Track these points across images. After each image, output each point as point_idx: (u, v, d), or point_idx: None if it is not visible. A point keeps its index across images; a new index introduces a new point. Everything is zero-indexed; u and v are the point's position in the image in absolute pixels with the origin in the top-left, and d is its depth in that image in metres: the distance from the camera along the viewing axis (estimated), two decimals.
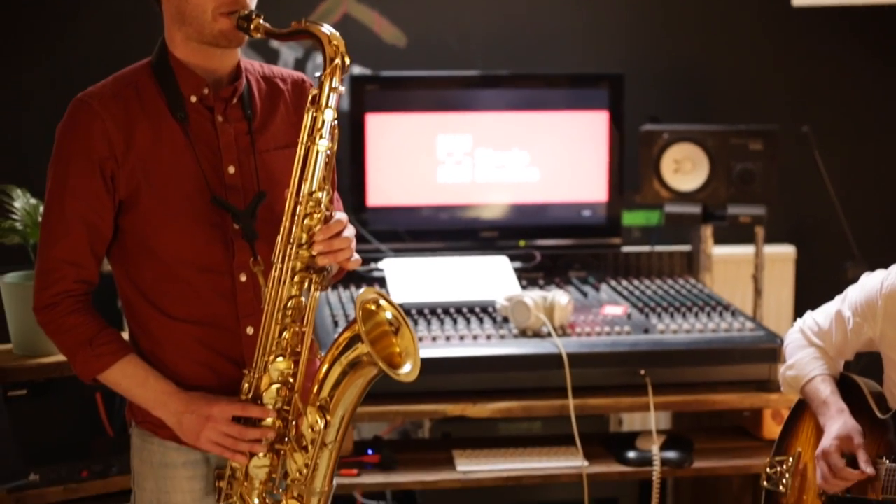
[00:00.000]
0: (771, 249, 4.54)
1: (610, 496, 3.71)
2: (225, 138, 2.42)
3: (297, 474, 2.44)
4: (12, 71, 4.23)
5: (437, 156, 4.01)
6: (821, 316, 2.95)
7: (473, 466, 3.31)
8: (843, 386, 2.86)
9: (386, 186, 4.01)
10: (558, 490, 3.52)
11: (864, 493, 2.65)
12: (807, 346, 2.94)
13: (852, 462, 2.65)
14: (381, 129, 3.97)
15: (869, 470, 2.62)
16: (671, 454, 3.37)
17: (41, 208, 3.08)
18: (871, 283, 2.82)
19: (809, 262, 4.66)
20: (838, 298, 2.91)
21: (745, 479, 3.53)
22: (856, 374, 2.90)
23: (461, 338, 3.40)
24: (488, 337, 3.41)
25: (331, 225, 2.37)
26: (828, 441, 2.69)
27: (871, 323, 2.79)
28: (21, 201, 3.21)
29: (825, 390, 2.82)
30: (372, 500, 4.45)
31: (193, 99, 2.39)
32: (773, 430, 3.22)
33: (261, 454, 2.41)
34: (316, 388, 2.42)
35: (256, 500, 2.46)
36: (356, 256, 2.41)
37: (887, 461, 2.63)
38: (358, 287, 3.76)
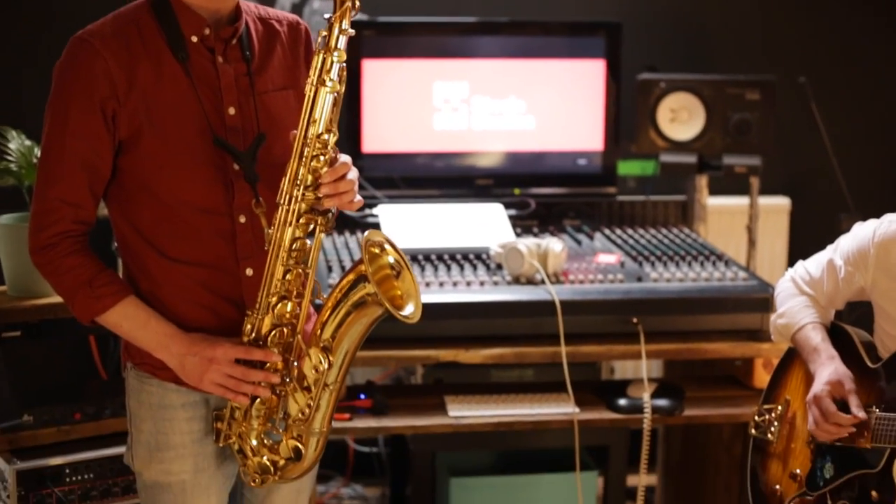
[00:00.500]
0: (766, 200, 4.55)
1: (601, 444, 3.73)
2: (226, 79, 2.42)
3: (299, 415, 2.46)
4: (4, 6, 4.21)
5: (433, 103, 4.01)
6: (812, 265, 2.97)
7: (465, 412, 3.32)
8: (833, 335, 2.87)
9: (382, 133, 4.00)
10: (549, 437, 3.54)
11: (853, 440, 2.66)
12: (798, 295, 2.96)
13: (843, 408, 2.67)
14: (378, 75, 3.96)
15: (861, 414, 2.63)
16: (662, 402, 3.38)
17: (36, 150, 3.09)
18: (863, 232, 2.83)
19: (804, 213, 4.67)
20: (830, 248, 2.93)
21: (736, 427, 3.54)
22: (847, 325, 2.93)
23: (454, 284, 3.41)
24: (482, 283, 3.42)
25: (336, 167, 2.38)
26: (819, 386, 2.71)
27: (863, 272, 2.80)
28: (16, 143, 3.20)
29: (816, 338, 2.84)
30: (364, 446, 4.50)
31: (194, 39, 2.39)
32: (763, 379, 3.23)
33: (262, 395, 2.44)
34: (319, 329, 2.44)
35: (255, 441, 2.49)
36: (358, 198, 2.43)
37: (877, 410, 2.64)
38: (353, 233, 3.77)
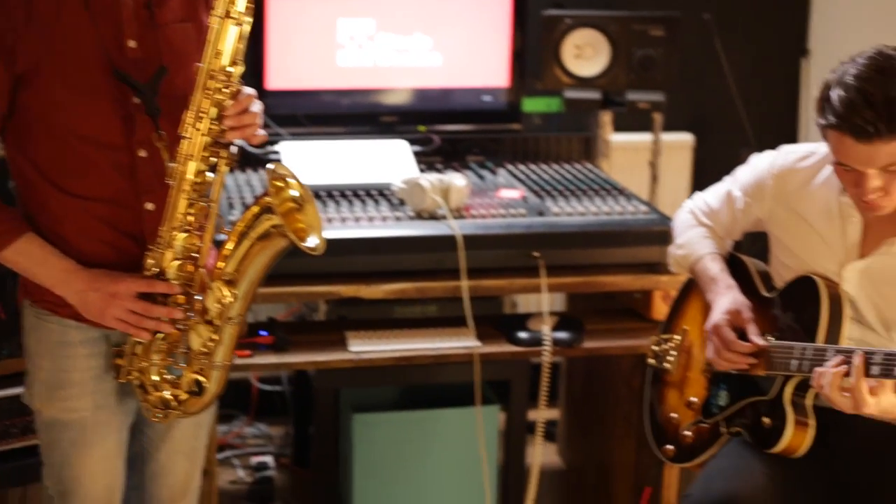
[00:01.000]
0: (670, 137, 4.59)
1: (503, 378, 3.74)
2: (125, 12, 2.39)
3: (201, 349, 2.47)
4: None
5: (337, 39, 3.96)
6: (710, 196, 3.00)
7: (365, 347, 3.32)
8: (730, 265, 2.91)
9: (286, 70, 3.95)
10: (451, 371, 3.54)
11: (748, 368, 2.70)
12: (696, 226, 2.99)
13: (742, 337, 2.71)
14: (282, 10, 3.90)
15: (760, 341, 2.67)
16: (562, 335, 3.41)
17: None
18: (761, 163, 2.86)
19: (707, 149, 4.72)
20: (728, 179, 2.96)
21: (635, 359, 3.58)
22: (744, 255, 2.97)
23: (357, 219, 3.39)
24: (384, 219, 3.41)
25: (241, 100, 2.38)
26: (717, 315, 2.74)
27: (760, 202, 2.84)
28: None
29: (714, 268, 2.87)
30: (267, 385, 4.50)
31: None
32: (662, 311, 3.27)
33: (165, 330, 2.43)
34: (222, 262, 2.44)
35: (156, 376, 2.49)
36: (262, 132, 2.43)
37: (771, 338, 2.68)
38: (255, 171, 3.74)
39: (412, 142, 3.90)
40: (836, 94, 2.44)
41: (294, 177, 2.49)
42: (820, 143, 2.77)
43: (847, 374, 2.42)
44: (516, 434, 3.80)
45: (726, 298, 2.77)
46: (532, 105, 4.35)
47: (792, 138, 4.77)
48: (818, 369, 2.47)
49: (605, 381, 3.94)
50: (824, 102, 2.47)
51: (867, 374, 2.41)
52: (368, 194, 3.57)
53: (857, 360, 2.40)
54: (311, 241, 2.49)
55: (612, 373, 3.85)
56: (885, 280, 2.64)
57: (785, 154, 2.83)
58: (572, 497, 4.24)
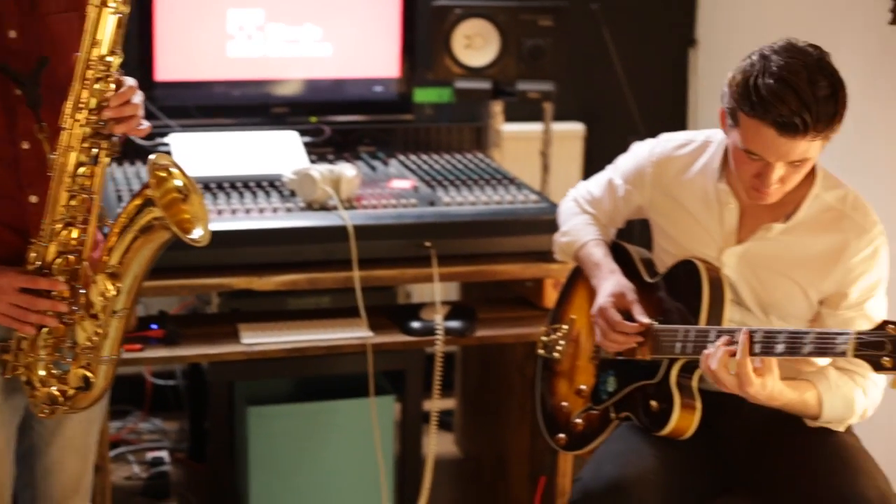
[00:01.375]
0: (561, 126, 4.62)
1: (397, 368, 3.75)
2: (6, 1, 2.35)
3: (87, 343, 2.43)
4: None
5: (227, 30, 3.94)
6: (593, 184, 3.04)
7: (258, 339, 3.30)
8: (614, 252, 2.95)
9: (175, 61, 3.91)
10: (346, 363, 3.54)
11: (633, 354, 2.74)
12: (580, 214, 3.03)
13: (628, 320, 2.74)
14: (170, 1, 3.87)
15: (645, 320, 2.71)
16: (454, 324, 3.42)
17: None
18: (640, 151, 2.90)
19: (598, 138, 4.76)
20: (610, 167, 3.00)
21: (528, 348, 3.59)
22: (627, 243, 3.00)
23: (247, 211, 3.37)
24: (275, 210, 3.39)
25: (122, 91, 2.35)
26: (602, 298, 2.78)
27: (641, 190, 2.88)
28: None
29: (598, 253, 2.91)
30: (161, 379, 4.46)
31: None
32: (553, 299, 3.28)
33: (50, 324, 2.40)
34: (106, 255, 2.41)
35: (43, 371, 2.45)
36: (145, 123, 2.40)
37: (655, 322, 2.72)
38: (144, 163, 3.70)
39: (303, 133, 3.88)
40: (762, 82, 2.43)
41: (177, 167, 2.46)
42: (698, 132, 2.82)
43: (733, 354, 2.45)
44: (412, 424, 3.80)
45: (610, 282, 2.81)
46: (423, 95, 4.35)
47: (681, 127, 4.83)
48: (706, 351, 2.50)
49: (500, 370, 3.96)
50: (747, 89, 2.46)
51: (750, 353, 2.44)
52: (259, 185, 3.55)
53: (742, 338, 2.44)
54: (196, 233, 2.47)
55: (506, 362, 3.87)
56: (762, 264, 2.69)
57: (664, 142, 2.87)
58: (469, 486, 4.25)
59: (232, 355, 3.29)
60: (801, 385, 2.57)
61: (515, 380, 3.80)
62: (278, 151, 3.72)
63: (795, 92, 2.40)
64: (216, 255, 3.25)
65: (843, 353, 2.33)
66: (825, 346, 2.36)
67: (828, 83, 2.43)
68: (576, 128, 4.75)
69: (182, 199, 2.48)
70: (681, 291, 2.72)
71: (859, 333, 2.32)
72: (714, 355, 2.48)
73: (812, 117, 2.41)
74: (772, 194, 2.56)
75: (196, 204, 2.49)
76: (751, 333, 2.45)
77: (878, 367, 2.28)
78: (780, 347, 2.42)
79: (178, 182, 2.47)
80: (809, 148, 2.47)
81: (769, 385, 2.46)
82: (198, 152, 3.67)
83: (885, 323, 2.29)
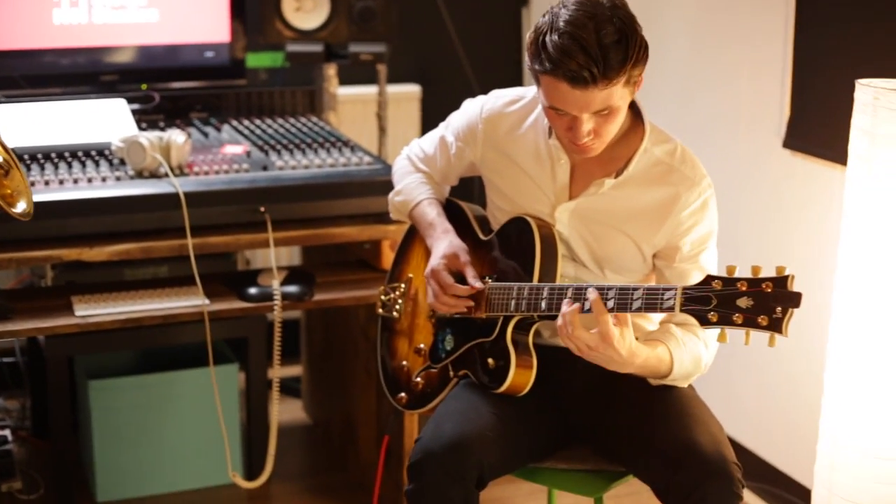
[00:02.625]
0: (396, 88, 4.62)
1: (240, 336, 3.73)
2: None
3: None
4: None
5: None
6: (426, 143, 3.04)
7: (91, 311, 3.23)
8: (449, 211, 2.95)
9: None
10: (187, 332, 3.49)
11: (469, 312, 2.74)
12: (413, 172, 3.02)
13: (461, 281, 2.75)
14: None
15: (477, 284, 2.71)
16: (292, 288, 3.40)
17: None
18: (471, 108, 2.90)
19: (434, 100, 4.77)
20: (442, 125, 3.00)
21: (370, 310, 3.59)
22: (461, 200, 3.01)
23: (75, 181, 3.30)
24: (104, 179, 3.32)
25: None
26: (435, 260, 2.77)
27: (473, 146, 2.88)
28: None
29: (431, 213, 2.90)
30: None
31: None
32: (391, 260, 3.29)
33: None
34: None
35: None
36: None
37: (490, 280, 2.73)
38: None
39: (132, 100, 3.81)
40: (550, 39, 2.44)
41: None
42: (529, 88, 2.82)
43: (584, 310, 2.45)
44: (256, 392, 3.78)
45: (443, 243, 2.80)
46: (256, 60, 4.31)
47: (516, 85, 4.85)
48: (559, 323, 2.48)
49: (344, 333, 3.95)
50: (537, 47, 2.48)
51: (582, 310, 2.46)
52: (87, 155, 3.47)
53: (592, 295, 2.43)
54: (20, 206, 2.42)
55: (350, 325, 3.86)
56: (594, 219, 2.71)
57: (494, 98, 2.88)
58: (319, 452, 4.24)
59: (65, 328, 3.22)
60: (652, 343, 2.59)
61: (360, 343, 3.80)
62: (106, 120, 3.64)
63: (580, 45, 2.41)
64: (46, 227, 3.18)
65: (671, 309, 2.35)
66: (653, 301, 2.39)
67: (614, 29, 2.44)
68: (411, 89, 4.75)
69: (3, 175, 2.42)
70: (514, 249, 2.74)
71: (686, 288, 2.34)
72: (564, 321, 2.46)
73: (599, 68, 2.42)
74: (591, 147, 2.58)
75: (17, 178, 2.45)
76: (584, 290, 2.47)
77: (704, 322, 2.30)
78: (609, 304, 2.44)
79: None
80: (610, 95, 2.48)
81: (628, 337, 2.46)
82: (23, 123, 3.57)
83: (710, 278, 2.31)
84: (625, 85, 2.49)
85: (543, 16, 2.51)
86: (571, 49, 2.41)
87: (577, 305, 2.45)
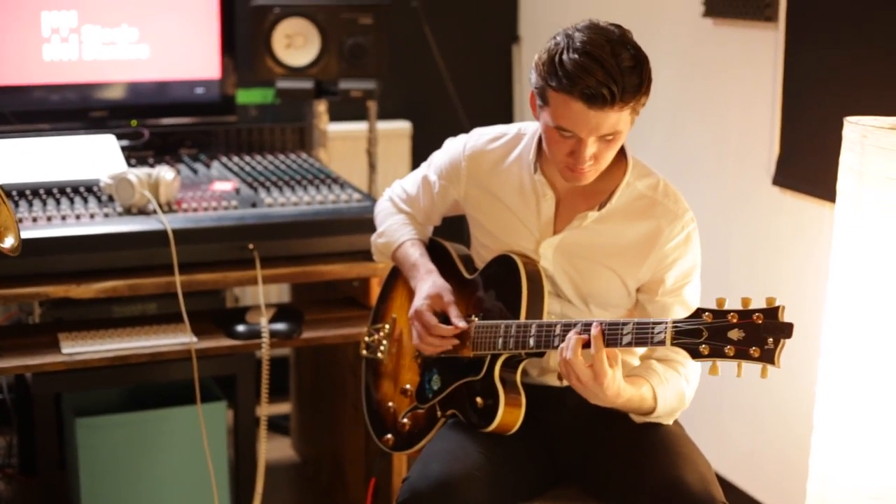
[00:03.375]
0: (387, 125, 4.63)
1: (228, 374, 3.71)
2: None
3: None
4: None
5: (42, 33, 3.85)
6: (408, 183, 3.03)
7: (78, 348, 3.22)
8: (432, 251, 2.95)
9: None
10: (175, 370, 3.46)
11: (456, 351, 2.74)
12: (396, 213, 3.02)
13: (445, 321, 2.74)
14: None
15: (461, 324, 2.70)
16: (280, 326, 3.39)
17: None
18: (454, 146, 2.91)
19: (425, 136, 4.77)
20: (424, 164, 3.00)
21: (359, 347, 3.59)
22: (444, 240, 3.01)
23: (63, 218, 3.29)
24: (92, 216, 3.32)
25: None
26: (419, 301, 2.76)
27: (456, 184, 2.88)
28: None
29: (414, 254, 2.90)
30: None
31: None
32: None
33: None
34: None
35: None
36: None
37: (476, 319, 2.72)
38: None
39: (122, 136, 3.81)
40: (568, 57, 2.45)
41: None
42: (511, 125, 2.84)
43: (585, 345, 2.44)
44: (245, 430, 3.75)
45: (427, 283, 2.80)
46: (246, 96, 4.31)
47: (508, 122, 4.85)
48: (563, 346, 2.47)
49: (333, 371, 3.93)
50: (553, 65, 2.47)
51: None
52: (76, 191, 3.47)
53: (595, 330, 2.42)
54: (7, 242, 2.42)
55: (339, 363, 3.85)
56: (578, 254, 2.71)
57: (477, 136, 2.88)
58: (308, 490, 4.22)
59: (52, 366, 3.21)
60: (636, 380, 2.59)
61: (348, 381, 3.78)
62: (95, 156, 3.63)
63: (600, 64, 2.43)
64: (33, 264, 3.18)
65: (661, 343, 2.35)
66: (643, 335, 2.38)
67: (630, 55, 2.47)
68: (402, 126, 4.76)
69: None
70: (500, 287, 2.73)
71: (676, 322, 2.34)
72: (567, 346, 2.45)
73: (618, 87, 2.43)
74: (587, 173, 2.58)
75: (4, 214, 2.44)
76: (572, 326, 2.47)
77: (695, 355, 2.30)
78: (583, 336, 2.44)
79: None
80: (619, 120, 2.50)
81: (618, 377, 2.45)
82: (12, 159, 3.57)
83: (700, 311, 2.31)
84: (631, 112, 2.51)
85: (553, 39, 2.52)
86: (591, 67, 2.43)
87: (584, 337, 2.44)
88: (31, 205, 3.36)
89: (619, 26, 2.53)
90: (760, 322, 2.23)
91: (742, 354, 2.24)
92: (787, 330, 2.21)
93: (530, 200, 2.75)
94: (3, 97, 3.84)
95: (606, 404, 2.52)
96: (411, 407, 2.86)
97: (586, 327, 2.46)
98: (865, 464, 2.72)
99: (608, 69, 2.42)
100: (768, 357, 2.22)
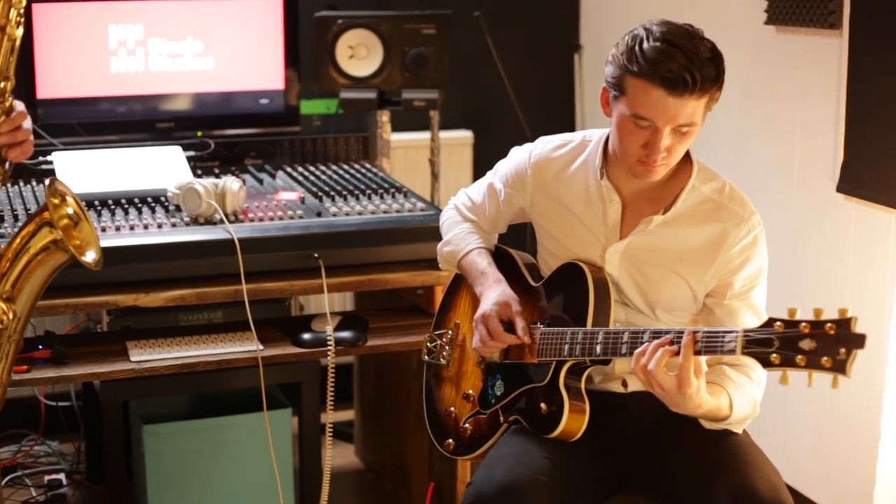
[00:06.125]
0: (449, 135, 4.65)
1: (293, 381, 3.73)
2: None
3: None
4: None
5: (108, 46, 3.92)
6: (474, 191, 3.05)
7: (146, 356, 3.26)
8: (498, 258, 2.95)
9: (57, 78, 3.89)
10: (240, 377, 3.50)
11: (521, 357, 2.75)
12: (462, 222, 3.03)
13: (510, 329, 2.75)
14: (49, 18, 3.84)
15: (526, 339, 2.71)
16: (345, 334, 3.41)
17: None
18: (519, 154, 2.92)
19: (486, 146, 4.79)
20: (490, 173, 3.01)
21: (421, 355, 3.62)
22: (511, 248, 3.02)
23: (132, 228, 3.34)
24: (160, 226, 3.37)
25: (14, 117, 2.34)
26: (487, 306, 2.77)
27: (522, 192, 2.89)
28: None
29: (482, 262, 2.91)
30: (56, 401, 4.39)
31: None
32: None
33: None
34: (0, 280, 2.39)
35: None
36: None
37: (541, 326, 2.73)
38: (26, 183, 3.66)
39: (188, 147, 3.86)
40: (649, 45, 2.49)
41: (71, 194, 2.47)
42: (576, 133, 2.85)
43: (676, 354, 2.42)
44: (310, 436, 3.77)
45: (495, 291, 2.81)
46: (310, 107, 4.35)
47: (569, 131, 4.85)
48: (638, 350, 2.46)
49: (396, 378, 3.95)
50: (632, 52, 2.51)
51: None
52: (144, 202, 3.52)
53: (687, 338, 2.41)
54: (90, 255, 2.48)
55: (402, 370, 3.87)
56: (645, 259, 2.71)
57: (542, 144, 2.89)
58: (372, 497, 4.24)
59: (120, 373, 3.25)
60: (714, 389, 2.57)
61: (412, 388, 3.80)
62: (162, 167, 3.69)
63: (682, 50, 2.47)
64: (102, 273, 3.18)
65: (732, 351, 2.34)
66: (713, 344, 2.38)
67: (708, 47, 2.52)
68: (464, 135, 4.78)
69: (73, 226, 2.48)
70: (566, 294, 2.74)
71: (746, 331, 2.33)
72: (652, 356, 2.43)
73: (699, 73, 2.47)
74: (658, 167, 2.59)
75: (86, 230, 2.52)
76: (640, 334, 2.47)
77: (766, 364, 2.29)
78: (672, 346, 2.44)
79: (70, 209, 2.48)
80: (695, 110, 2.52)
81: (703, 388, 2.45)
82: (81, 170, 3.62)
83: (772, 320, 2.30)
84: (706, 105, 2.53)
85: (629, 33, 2.57)
86: (673, 53, 2.47)
87: (674, 347, 2.42)
88: (99, 215, 3.41)
89: (691, 26, 2.57)
90: (833, 332, 2.22)
91: (813, 364, 2.23)
92: (859, 341, 2.20)
93: (596, 206, 2.75)
94: (72, 109, 3.91)
95: (686, 412, 2.52)
96: (473, 412, 2.87)
97: (655, 335, 2.46)
98: None
99: (689, 55, 2.47)
100: (840, 367, 2.20)
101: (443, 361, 2.99)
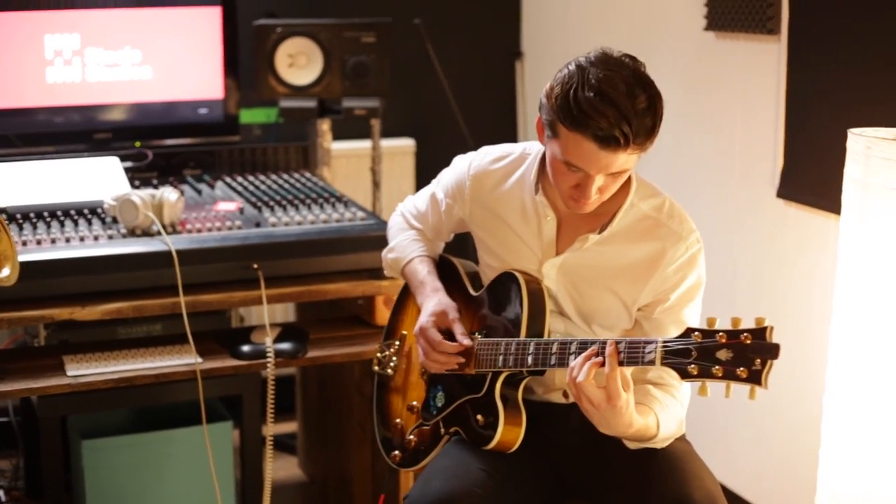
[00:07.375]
0: (390, 143, 4.63)
1: (234, 394, 3.70)
2: None
3: None
4: None
5: (45, 55, 3.86)
6: (419, 199, 3.04)
7: (83, 370, 3.22)
8: (441, 267, 2.94)
9: None
10: (180, 391, 3.46)
11: (459, 368, 2.72)
12: (407, 229, 3.02)
13: (451, 339, 2.73)
14: None
15: (465, 341, 2.69)
16: (285, 345, 3.38)
17: None
18: (460, 165, 2.90)
19: (429, 154, 4.77)
20: (434, 182, 3.00)
21: (365, 366, 3.57)
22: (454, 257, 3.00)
23: (67, 240, 3.30)
24: (96, 238, 3.32)
25: None
26: (424, 318, 2.76)
27: (461, 203, 2.87)
28: None
29: (422, 270, 2.90)
30: None
31: None
32: (385, 316, 3.27)
33: None
34: None
35: None
36: None
37: (479, 336, 2.71)
38: None
39: (126, 158, 3.81)
40: (583, 95, 2.41)
41: None
42: (517, 145, 2.83)
43: (602, 365, 2.40)
44: (251, 449, 3.74)
45: (432, 300, 2.79)
46: (250, 116, 4.31)
47: (511, 139, 4.87)
48: (571, 364, 2.44)
49: (338, 390, 3.93)
50: (567, 102, 2.43)
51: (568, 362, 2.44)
52: (80, 213, 3.47)
53: (610, 348, 2.38)
54: (4, 272, 2.43)
55: (344, 381, 3.84)
56: (580, 276, 2.69)
57: (482, 155, 2.87)
58: None
59: (57, 388, 3.20)
60: (642, 409, 2.55)
61: (354, 399, 3.77)
62: (99, 178, 3.64)
63: (615, 105, 2.39)
64: (38, 287, 3.18)
65: (651, 362, 2.32)
66: (635, 355, 2.36)
67: (646, 96, 2.43)
68: (406, 143, 4.76)
69: None
70: (503, 304, 2.72)
71: (666, 341, 2.32)
72: (581, 368, 2.40)
73: (632, 130, 2.40)
74: (591, 203, 2.57)
75: (4, 242, 2.45)
76: (569, 344, 2.46)
77: (685, 375, 2.27)
78: (598, 358, 2.42)
79: None
80: (628, 160, 2.48)
81: (632, 402, 2.42)
82: (17, 182, 3.57)
83: (690, 330, 2.29)
84: (642, 150, 2.48)
85: (565, 69, 2.48)
86: (606, 110, 2.39)
87: (598, 359, 2.39)
88: (35, 227, 3.36)
89: (631, 58, 2.48)
90: (748, 342, 2.21)
91: (730, 375, 2.21)
92: (773, 351, 2.18)
93: (532, 221, 2.74)
94: (7, 120, 3.85)
95: (615, 433, 2.48)
96: (417, 423, 2.86)
97: (582, 345, 2.44)
98: (874, 476, 2.71)
99: (623, 111, 2.38)
100: (755, 378, 2.19)
101: (390, 372, 2.97)
